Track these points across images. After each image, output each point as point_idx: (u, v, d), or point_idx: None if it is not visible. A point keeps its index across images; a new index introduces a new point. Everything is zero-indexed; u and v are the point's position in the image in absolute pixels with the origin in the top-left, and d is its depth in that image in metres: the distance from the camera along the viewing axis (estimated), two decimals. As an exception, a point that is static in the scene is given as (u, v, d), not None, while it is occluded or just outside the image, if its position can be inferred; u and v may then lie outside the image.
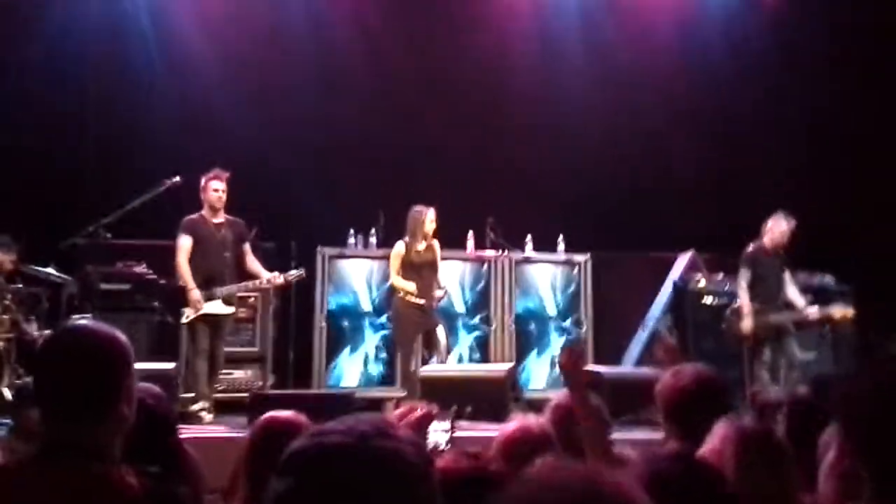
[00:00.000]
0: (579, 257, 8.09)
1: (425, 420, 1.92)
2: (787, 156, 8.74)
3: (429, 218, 6.68)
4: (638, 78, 8.90)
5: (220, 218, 6.28)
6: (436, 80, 8.65)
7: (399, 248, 6.72)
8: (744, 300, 6.74)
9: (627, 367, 7.74)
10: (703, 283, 7.72)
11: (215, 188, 6.21)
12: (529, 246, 8.10)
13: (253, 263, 6.35)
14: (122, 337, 1.75)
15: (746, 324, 6.68)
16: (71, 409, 1.65)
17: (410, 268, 6.66)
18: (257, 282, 6.31)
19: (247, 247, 6.39)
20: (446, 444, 2.21)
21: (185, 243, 6.14)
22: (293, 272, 6.38)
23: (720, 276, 7.66)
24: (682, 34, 9.16)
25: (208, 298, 6.09)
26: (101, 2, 8.26)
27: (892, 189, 8.16)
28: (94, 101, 8.07)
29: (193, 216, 6.25)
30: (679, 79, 8.96)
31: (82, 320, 6.46)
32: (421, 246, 6.70)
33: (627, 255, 8.34)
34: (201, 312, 6.06)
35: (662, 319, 8.01)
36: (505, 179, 8.42)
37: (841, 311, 6.77)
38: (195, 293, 6.02)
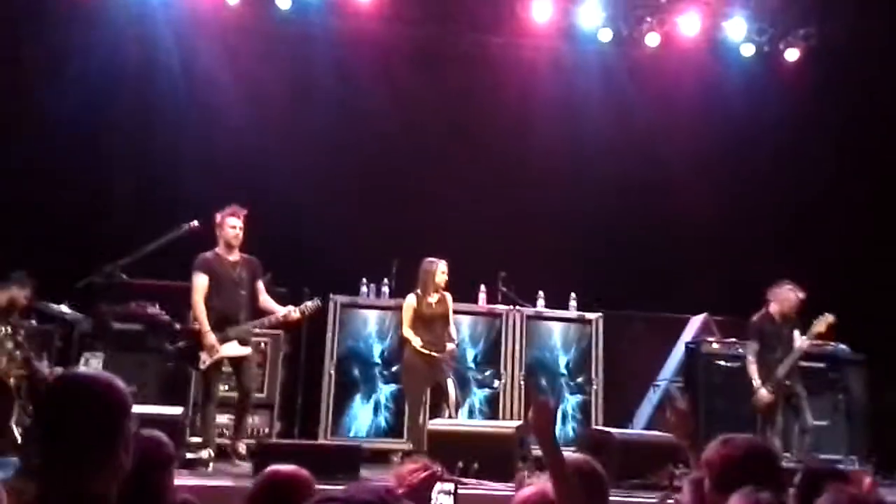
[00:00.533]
0: (591, 315, 8.06)
1: (429, 481, 1.91)
2: (804, 221, 8.74)
3: (440, 269, 6.72)
4: (656, 138, 8.97)
5: (236, 255, 6.19)
6: (455, 133, 8.75)
7: (411, 300, 6.74)
8: (752, 373, 6.73)
9: (637, 428, 7.65)
10: (715, 346, 7.67)
11: (232, 225, 6.14)
12: (541, 302, 8.10)
13: (267, 301, 6.26)
14: (121, 384, 1.76)
15: (763, 395, 6.65)
16: (69, 456, 1.66)
17: (422, 320, 6.67)
18: (272, 317, 6.19)
19: (260, 284, 6.27)
20: None
21: (201, 282, 6.03)
22: (308, 303, 6.29)
23: (733, 339, 7.61)
24: (702, 96, 9.25)
25: (223, 340, 5.99)
26: (133, 43, 8.44)
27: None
28: (120, 140, 8.22)
29: (208, 254, 6.15)
30: (697, 140, 9.03)
31: (92, 358, 6.53)
32: (433, 298, 6.72)
33: (640, 314, 8.32)
34: (217, 356, 5.98)
35: (674, 381, 7.94)
36: (519, 234, 8.45)
37: (823, 322, 6.65)
38: (210, 337, 5.93)
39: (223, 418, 6.39)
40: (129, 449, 1.73)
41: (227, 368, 6.21)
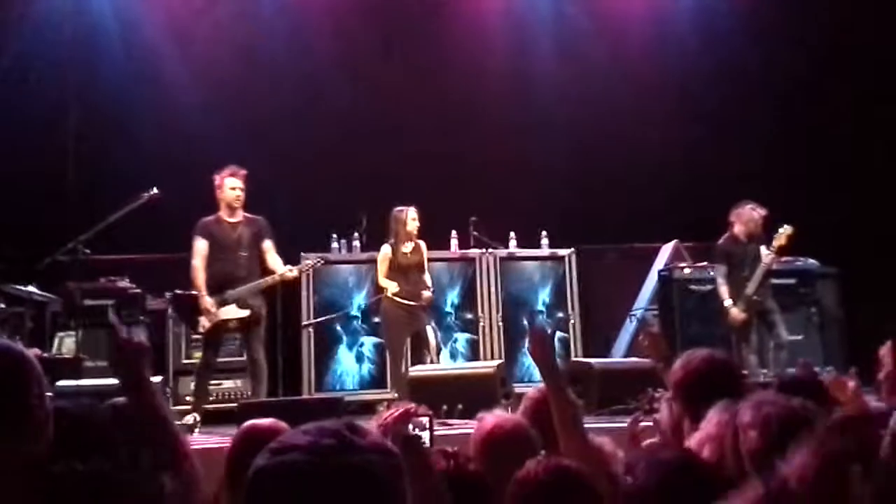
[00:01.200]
0: (563, 251, 8.10)
1: (403, 418, 1.91)
2: (766, 143, 8.79)
3: (410, 216, 6.69)
4: (612, 70, 8.92)
5: (238, 217, 6.06)
6: (412, 85, 8.64)
7: (385, 250, 6.72)
8: (723, 294, 6.81)
9: (616, 357, 7.76)
10: (687, 272, 7.74)
11: (232, 186, 6.00)
12: (513, 243, 8.12)
13: (272, 261, 6.09)
14: (18, 346, 1.76)
15: (735, 314, 6.74)
16: None
17: (398, 269, 6.67)
18: (269, 279, 6.07)
19: (267, 244, 6.09)
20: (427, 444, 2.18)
21: (200, 247, 5.95)
22: (308, 261, 6.29)
23: (704, 263, 7.69)
24: (655, 25, 9.21)
25: (221, 304, 5.92)
26: (75, 14, 8.19)
27: (875, 172, 8.24)
28: (72, 117, 8.02)
29: (209, 218, 6.05)
30: (654, 70, 9.01)
31: (66, 337, 6.47)
32: (407, 247, 6.71)
33: (611, 247, 8.38)
34: (216, 320, 5.93)
35: (649, 309, 8.03)
36: (485, 179, 8.43)
37: (783, 235, 6.67)
38: (206, 300, 5.89)
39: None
40: (42, 415, 1.70)
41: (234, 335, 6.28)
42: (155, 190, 6.13)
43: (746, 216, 6.82)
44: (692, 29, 9.12)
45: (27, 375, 1.72)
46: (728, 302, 6.77)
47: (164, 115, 8.11)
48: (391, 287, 6.59)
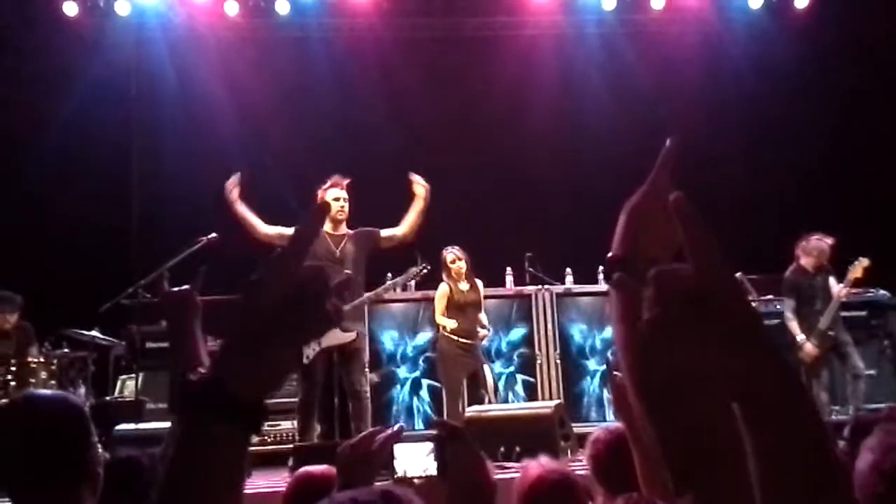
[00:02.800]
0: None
1: (388, 441, 1.67)
2: (823, 172, 8.55)
3: (448, 258, 6.66)
4: (664, 103, 8.82)
5: (342, 230, 5.66)
6: (461, 120, 8.69)
7: (443, 288, 6.70)
8: (794, 329, 6.60)
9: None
10: (754, 304, 7.51)
11: (335, 196, 5.58)
12: (570, 279, 7.99)
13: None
14: (73, 398, 1.75)
15: (809, 349, 6.52)
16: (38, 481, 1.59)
17: (455, 307, 6.63)
18: (371, 294, 5.70)
19: (382, 233, 5.73)
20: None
21: (279, 228, 5.55)
22: (413, 270, 5.97)
23: (769, 296, 7.45)
24: (706, 54, 9.09)
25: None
26: (134, 63, 8.49)
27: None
28: (135, 166, 8.27)
29: None
30: (707, 101, 8.87)
31: (129, 380, 6.56)
32: (464, 286, 6.68)
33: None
34: (317, 348, 5.39)
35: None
36: (540, 214, 8.38)
37: (858, 267, 6.48)
38: None
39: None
40: (96, 468, 1.68)
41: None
42: (213, 234, 6.21)
43: (814, 247, 6.64)
44: (746, 56, 8.99)
45: (86, 430, 1.70)
46: (801, 337, 6.56)
47: (219, 162, 8.28)
48: (449, 324, 6.55)
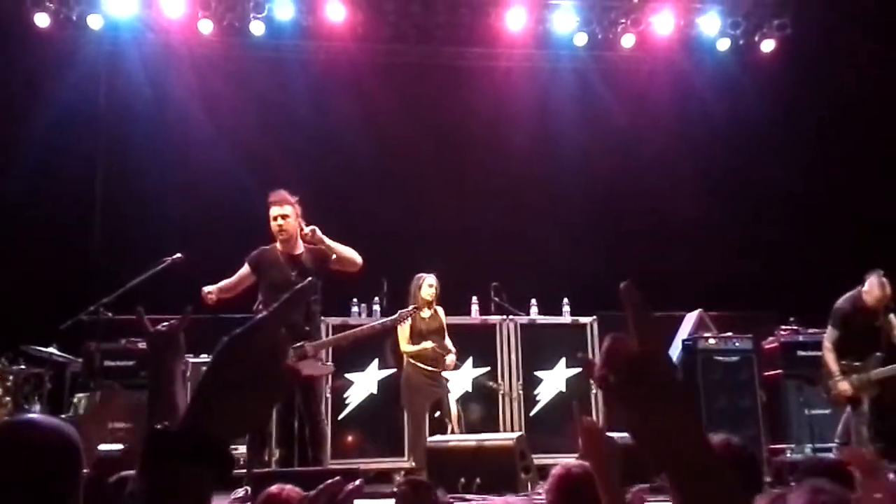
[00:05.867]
0: (585, 319, 8.00)
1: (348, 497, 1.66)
2: (790, 211, 8.74)
3: (426, 283, 6.68)
4: (635, 139, 9.00)
5: (299, 249, 5.25)
6: (434, 148, 8.76)
7: None
8: (828, 360, 6.31)
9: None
10: (712, 342, 7.62)
11: (273, 216, 5.22)
12: (535, 309, 8.04)
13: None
14: (64, 426, 1.68)
15: (844, 386, 6.20)
16: None
17: (419, 336, 6.63)
18: (355, 331, 5.34)
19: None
20: None
21: (241, 272, 5.25)
22: (403, 312, 5.61)
23: (729, 334, 7.56)
24: (679, 93, 9.30)
25: (299, 357, 4.94)
26: (106, 79, 8.43)
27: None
28: (100, 179, 8.18)
29: (266, 246, 5.30)
30: (676, 137, 9.06)
31: (84, 398, 6.43)
32: (426, 314, 6.68)
33: (634, 315, 8.28)
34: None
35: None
36: (507, 244, 8.43)
37: None
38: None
39: None
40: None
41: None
42: (178, 254, 6.11)
43: (878, 283, 6.17)
44: (714, 95, 9.20)
45: (77, 459, 1.66)
46: (837, 375, 6.19)
47: (189, 177, 8.23)
48: (425, 346, 6.49)
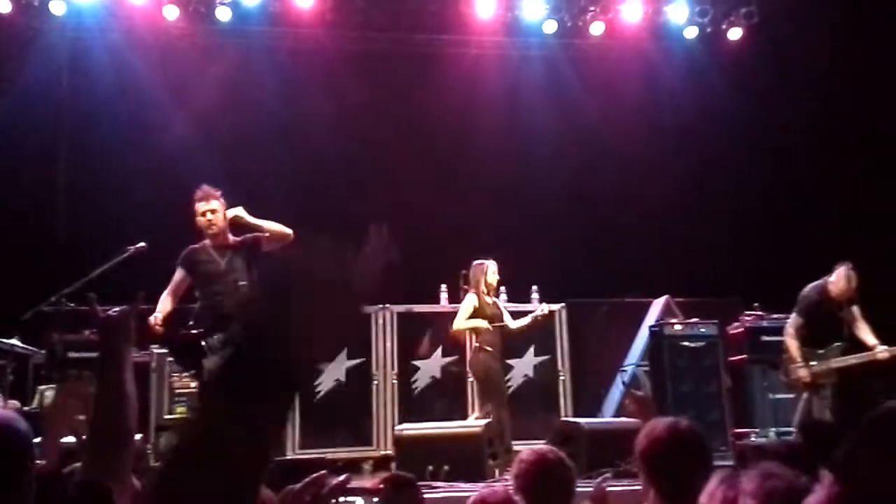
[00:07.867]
0: (554, 306, 8.03)
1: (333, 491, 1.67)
2: (755, 199, 8.83)
3: (491, 270, 6.68)
4: (604, 127, 9.02)
5: (229, 240, 5.27)
6: (403, 136, 8.72)
7: (472, 299, 6.66)
8: (790, 346, 6.39)
9: (606, 416, 7.65)
10: (678, 328, 7.68)
11: (201, 211, 5.21)
12: (504, 297, 8.05)
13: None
14: (13, 418, 1.65)
15: (802, 373, 6.30)
16: None
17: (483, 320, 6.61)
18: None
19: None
20: None
21: (175, 278, 5.25)
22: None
23: (695, 319, 7.63)
24: (648, 82, 9.35)
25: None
26: (69, 63, 8.28)
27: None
28: (62, 166, 8.05)
29: (195, 245, 5.30)
30: (646, 125, 9.11)
31: (48, 390, 6.37)
32: (489, 300, 6.70)
33: (602, 302, 8.34)
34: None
35: (640, 365, 7.95)
36: (476, 232, 8.42)
37: None
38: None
39: None
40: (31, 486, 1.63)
41: None
42: (142, 244, 6.01)
43: (845, 275, 6.20)
44: (682, 83, 9.26)
45: (24, 452, 1.63)
46: (799, 361, 6.26)
47: (154, 165, 8.13)
48: (479, 324, 6.48)
